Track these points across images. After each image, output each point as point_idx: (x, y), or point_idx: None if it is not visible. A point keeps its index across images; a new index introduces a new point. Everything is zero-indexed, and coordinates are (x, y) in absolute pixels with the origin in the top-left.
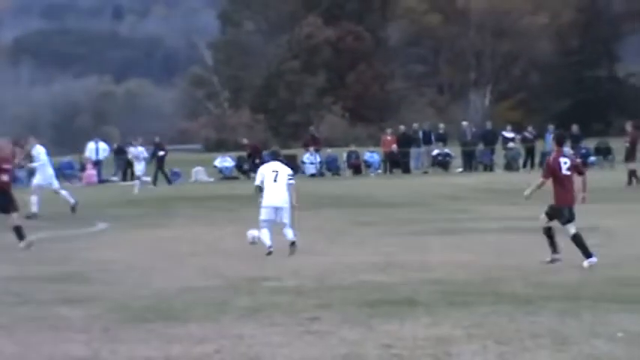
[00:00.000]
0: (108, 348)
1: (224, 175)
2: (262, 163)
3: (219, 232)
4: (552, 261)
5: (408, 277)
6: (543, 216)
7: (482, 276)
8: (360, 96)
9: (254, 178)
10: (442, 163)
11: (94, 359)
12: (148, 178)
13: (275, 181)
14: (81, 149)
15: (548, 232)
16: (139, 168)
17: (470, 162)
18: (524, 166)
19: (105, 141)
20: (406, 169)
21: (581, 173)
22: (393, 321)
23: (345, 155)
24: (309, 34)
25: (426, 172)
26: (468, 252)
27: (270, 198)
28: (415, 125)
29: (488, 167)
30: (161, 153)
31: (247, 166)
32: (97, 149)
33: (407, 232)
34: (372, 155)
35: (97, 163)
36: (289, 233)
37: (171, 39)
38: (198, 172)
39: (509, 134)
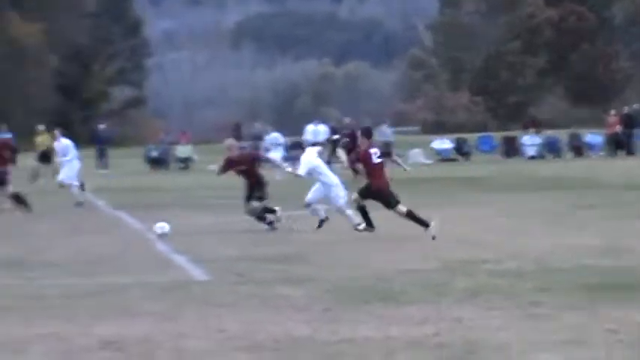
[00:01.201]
0: (328, 328)
1: (442, 157)
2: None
3: (436, 214)
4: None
5: (633, 261)
6: (356, 195)
7: None
8: (582, 77)
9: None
10: None
11: (314, 339)
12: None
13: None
14: (301, 131)
15: (363, 210)
16: (275, 155)
17: None
18: None
19: (325, 123)
20: (630, 151)
21: (389, 155)
22: (617, 306)
23: (566, 136)
24: (530, 14)
25: None
26: None
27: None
28: (636, 105)
29: None
30: (335, 137)
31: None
32: (316, 131)
33: (632, 216)
34: (594, 137)
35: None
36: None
37: (390, 21)
38: (416, 154)
39: None
